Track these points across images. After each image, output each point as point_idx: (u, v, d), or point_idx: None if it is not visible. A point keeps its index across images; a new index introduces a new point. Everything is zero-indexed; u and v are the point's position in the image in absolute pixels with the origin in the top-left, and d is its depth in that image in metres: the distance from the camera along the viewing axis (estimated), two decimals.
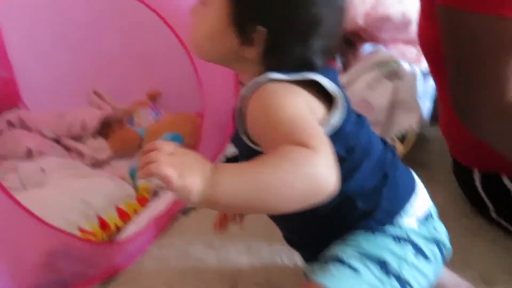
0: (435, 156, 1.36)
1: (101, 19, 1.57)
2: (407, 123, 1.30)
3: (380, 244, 0.72)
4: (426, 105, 1.40)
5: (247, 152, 0.69)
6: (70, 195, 1.18)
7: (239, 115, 0.68)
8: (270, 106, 0.63)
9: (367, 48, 1.48)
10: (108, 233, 1.17)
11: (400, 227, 0.73)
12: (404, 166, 0.80)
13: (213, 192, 0.54)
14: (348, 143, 0.70)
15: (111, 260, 1.09)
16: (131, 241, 1.13)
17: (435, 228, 0.77)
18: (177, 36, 1.19)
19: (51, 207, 1.11)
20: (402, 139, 1.29)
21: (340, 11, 0.68)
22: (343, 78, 1.37)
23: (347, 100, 0.71)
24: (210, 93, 1.29)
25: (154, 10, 1.16)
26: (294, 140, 0.57)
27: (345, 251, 0.72)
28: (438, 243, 0.76)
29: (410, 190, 0.76)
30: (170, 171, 0.52)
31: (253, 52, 0.67)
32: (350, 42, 1.60)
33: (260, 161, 0.56)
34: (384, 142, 0.79)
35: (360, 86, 1.34)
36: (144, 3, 1.13)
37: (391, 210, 0.74)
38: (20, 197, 0.97)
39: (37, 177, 1.31)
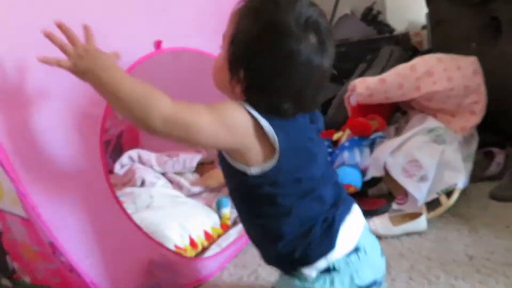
0: (476, 210, 1.23)
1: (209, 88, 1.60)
2: (452, 181, 1.21)
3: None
4: (468, 166, 1.29)
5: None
6: (170, 218, 1.19)
7: None
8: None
9: (418, 116, 1.41)
10: (196, 250, 1.16)
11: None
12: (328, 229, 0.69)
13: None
14: (279, 188, 0.66)
15: (197, 272, 1.08)
16: (213, 259, 1.12)
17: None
18: None
19: (156, 226, 1.12)
20: (448, 194, 1.20)
21: (312, 75, 0.65)
22: (396, 141, 1.32)
23: (304, 155, 0.68)
24: None
25: None
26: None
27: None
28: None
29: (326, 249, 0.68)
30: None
31: (238, 89, 0.67)
32: (402, 111, 1.54)
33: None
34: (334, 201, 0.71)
35: (411, 147, 1.27)
36: None
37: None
38: (133, 216, 1.00)
39: (147, 201, 1.34)
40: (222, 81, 0.69)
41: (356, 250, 0.69)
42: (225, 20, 1.16)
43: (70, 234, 0.81)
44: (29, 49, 0.71)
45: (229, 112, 0.64)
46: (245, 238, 1.20)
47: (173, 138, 0.64)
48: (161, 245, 1.02)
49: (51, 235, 0.77)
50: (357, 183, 1.30)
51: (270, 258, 0.74)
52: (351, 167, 1.31)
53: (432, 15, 1.89)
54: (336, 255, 0.68)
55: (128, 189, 1.46)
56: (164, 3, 0.98)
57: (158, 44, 0.93)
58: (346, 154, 1.35)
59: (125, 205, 1.29)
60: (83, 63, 0.65)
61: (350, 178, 1.29)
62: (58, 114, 0.78)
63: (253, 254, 1.15)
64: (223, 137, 0.64)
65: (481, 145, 1.41)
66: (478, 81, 1.36)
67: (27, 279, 0.96)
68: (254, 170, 0.66)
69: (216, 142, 0.65)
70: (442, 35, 1.81)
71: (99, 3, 0.85)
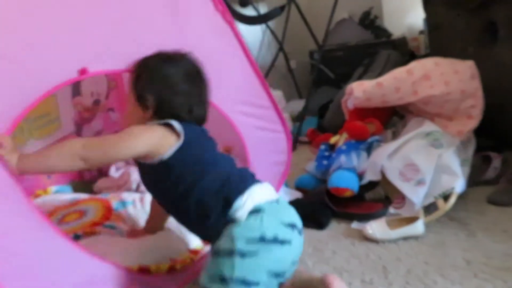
0: (473, 214, 1.23)
1: None
2: (449, 185, 1.20)
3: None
4: (465, 170, 1.29)
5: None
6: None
7: None
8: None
9: (415, 120, 1.41)
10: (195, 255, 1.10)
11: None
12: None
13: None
14: (186, 164, 0.86)
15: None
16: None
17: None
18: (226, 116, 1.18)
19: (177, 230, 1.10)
20: (445, 198, 1.19)
21: (190, 94, 0.91)
22: (393, 145, 1.31)
23: (200, 142, 0.90)
24: (258, 156, 1.24)
25: None
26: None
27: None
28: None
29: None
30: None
31: (150, 113, 0.90)
32: (400, 115, 1.54)
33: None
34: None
35: (409, 151, 1.27)
36: None
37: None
38: None
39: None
40: (135, 121, 0.90)
41: (277, 201, 0.87)
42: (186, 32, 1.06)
43: None
44: None
45: (141, 131, 0.87)
46: None
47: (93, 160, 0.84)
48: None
49: None
50: (354, 186, 1.29)
51: (209, 223, 0.84)
52: (348, 170, 1.31)
53: (429, 20, 1.89)
54: (258, 200, 0.84)
55: (122, 193, 1.43)
56: (95, 27, 0.92)
57: (82, 72, 0.88)
58: (343, 158, 1.35)
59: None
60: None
61: (347, 182, 1.28)
62: None
63: None
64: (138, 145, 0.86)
65: (478, 149, 1.41)
66: (475, 85, 1.36)
67: None
68: (166, 154, 0.85)
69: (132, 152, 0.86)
70: (440, 40, 1.82)
71: (25, 25, 0.82)
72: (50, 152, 0.82)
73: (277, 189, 1.36)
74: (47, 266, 0.82)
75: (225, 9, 1.12)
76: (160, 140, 0.86)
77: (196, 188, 0.84)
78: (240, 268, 0.77)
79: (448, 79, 1.34)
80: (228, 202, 0.83)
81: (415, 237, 1.14)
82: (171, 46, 0.96)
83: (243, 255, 0.77)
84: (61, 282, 0.83)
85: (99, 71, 0.91)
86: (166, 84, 0.89)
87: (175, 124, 0.87)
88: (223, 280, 0.77)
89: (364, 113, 1.48)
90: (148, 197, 1.37)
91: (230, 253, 0.78)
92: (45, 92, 0.83)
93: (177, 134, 0.86)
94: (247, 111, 1.21)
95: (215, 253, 0.82)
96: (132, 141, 0.84)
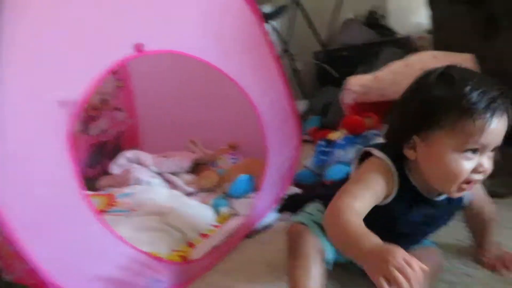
0: None
1: (204, 92, 1.59)
2: None
3: None
4: None
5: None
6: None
7: None
8: None
9: None
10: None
11: None
12: None
13: None
14: None
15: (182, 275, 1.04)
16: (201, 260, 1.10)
17: None
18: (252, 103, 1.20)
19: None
20: None
21: None
22: None
23: None
24: (274, 147, 1.27)
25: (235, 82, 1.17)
26: None
27: None
28: None
29: None
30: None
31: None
32: None
33: None
34: None
35: None
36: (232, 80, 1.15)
37: None
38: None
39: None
40: None
41: None
42: (219, 21, 1.15)
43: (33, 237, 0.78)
44: None
45: None
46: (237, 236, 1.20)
47: None
48: (135, 248, 0.95)
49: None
50: None
51: None
52: (345, 164, 1.30)
53: (433, 16, 1.87)
54: None
55: (125, 189, 1.46)
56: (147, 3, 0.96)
57: (138, 48, 0.90)
58: (339, 152, 1.34)
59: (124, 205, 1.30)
60: None
61: (342, 175, 1.27)
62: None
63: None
64: None
65: None
66: None
67: (10, 277, 0.93)
68: None
69: None
70: (443, 36, 1.80)
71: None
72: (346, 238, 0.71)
73: (287, 183, 1.37)
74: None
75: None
76: None
77: None
78: None
79: None
80: None
81: None
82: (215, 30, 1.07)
83: None
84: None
85: (154, 50, 0.92)
86: None
87: None
88: None
89: (363, 108, 1.47)
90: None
91: None
92: (105, 70, 0.85)
93: None
94: (269, 104, 1.25)
95: None
96: None
